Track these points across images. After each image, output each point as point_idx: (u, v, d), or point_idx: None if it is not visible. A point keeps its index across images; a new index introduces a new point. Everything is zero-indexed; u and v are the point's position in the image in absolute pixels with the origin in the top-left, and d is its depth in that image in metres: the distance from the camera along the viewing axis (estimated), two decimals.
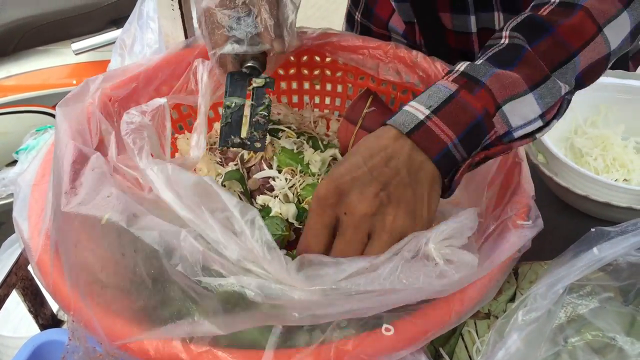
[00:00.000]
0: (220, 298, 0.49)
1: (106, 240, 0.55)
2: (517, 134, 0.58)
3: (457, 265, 0.52)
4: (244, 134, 0.73)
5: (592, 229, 0.60)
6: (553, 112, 0.59)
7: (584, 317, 0.61)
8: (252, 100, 0.73)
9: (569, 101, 0.61)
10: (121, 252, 0.54)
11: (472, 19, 0.92)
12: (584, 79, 0.61)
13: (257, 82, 0.73)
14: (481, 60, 0.59)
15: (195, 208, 0.52)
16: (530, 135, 0.59)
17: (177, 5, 0.83)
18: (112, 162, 0.62)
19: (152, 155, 0.65)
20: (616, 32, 0.61)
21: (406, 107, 0.55)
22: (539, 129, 0.59)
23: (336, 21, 3.42)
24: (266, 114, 0.73)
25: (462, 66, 0.59)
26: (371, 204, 0.51)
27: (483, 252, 0.58)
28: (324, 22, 3.37)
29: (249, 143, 0.72)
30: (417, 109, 0.55)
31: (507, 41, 0.60)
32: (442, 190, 0.56)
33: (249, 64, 0.72)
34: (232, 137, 0.71)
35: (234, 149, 0.87)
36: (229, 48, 0.70)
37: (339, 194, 0.52)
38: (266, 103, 0.73)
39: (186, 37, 0.85)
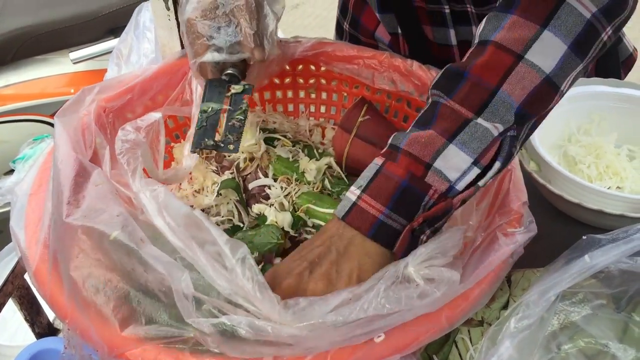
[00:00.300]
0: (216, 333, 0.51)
1: (116, 254, 0.56)
2: (459, 187, 0.57)
3: (438, 283, 0.53)
4: (218, 137, 0.74)
5: (584, 237, 0.60)
6: (489, 155, 0.57)
7: (576, 324, 0.62)
8: (230, 106, 0.74)
9: (513, 139, 0.58)
10: (131, 267, 0.56)
11: (452, 32, 0.93)
12: (529, 111, 0.58)
13: (235, 88, 0.74)
14: (409, 128, 0.60)
15: (187, 241, 0.53)
16: (474, 184, 0.57)
17: (173, 16, 0.83)
18: (107, 178, 0.63)
19: (144, 172, 0.66)
20: (545, 54, 0.57)
21: (347, 193, 0.58)
22: (480, 176, 0.57)
23: (333, 29, 3.43)
24: (242, 117, 0.74)
25: (391, 138, 0.59)
26: (293, 279, 0.56)
27: (471, 263, 0.59)
28: (322, 31, 3.39)
29: (222, 145, 0.72)
30: (352, 192, 0.58)
31: (430, 100, 0.60)
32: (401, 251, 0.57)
33: (228, 72, 0.73)
34: (206, 139, 0.72)
35: (231, 157, 0.88)
36: (209, 56, 0.72)
37: (273, 279, 0.56)
38: (243, 108, 0.74)
39: (182, 47, 0.86)
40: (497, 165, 0.57)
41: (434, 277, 0.54)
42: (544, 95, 0.58)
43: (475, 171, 0.57)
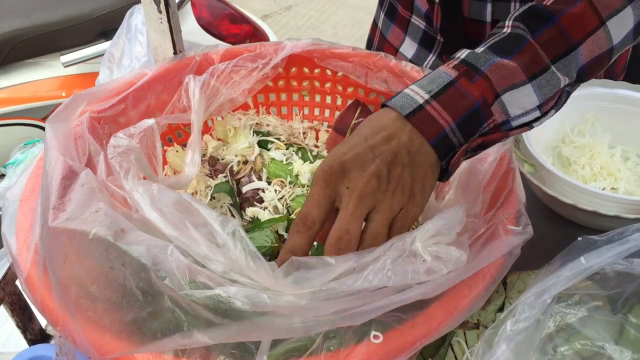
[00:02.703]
0: (209, 309, 0.50)
1: (94, 255, 0.55)
2: (514, 124, 0.59)
3: (446, 261, 0.52)
4: None
5: (579, 238, 0.60)
6: (551, 103, 0.60)
7: (572, 326, 0.62)
8: None
9: (568, 93, 0.61)
10: (110, 266, 0.55)
11: (489, 7, 0.92)
12: (586, 73, 0.61)
13: None
14: (482, 49, 0.60)
15: (180, 225, 0.52)
16: (528, 125, 0.60)
17: (165, 19, 0.83)
18: (102, 181, 0.62)
19: (143, 178, 0.66)
20: (619, 27, 0.60)
21: (406, 90, 0.57)
22: (536, 119, 0.60)
23: (327, 30, 3.44)
24: None
25: (463, 54, 0.59)
26: (373, 181, 0.53)
27: (472, 252, 0.58)
28: (315, 32, 3.39)
29: None
30: (417, 93, 0.56)
31: (509, 30, 0.61)
32: (440, 174, 0.58)
33: None
34: None
35: (224, 160, 0.87)
36: None
37: (342, 169, 0.54)
38: None
39: (175, 50, 0.86)
40: (552, 112, 0.60)
41: (442, 256, 0.54)
42: (601, 64, 0.61)
43: (536, 114, 0.59)
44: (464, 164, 0.68)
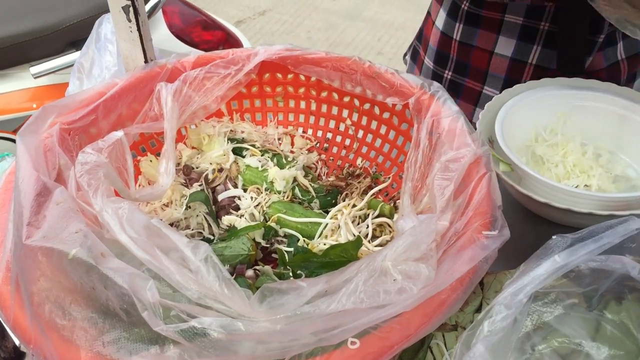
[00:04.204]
0: (187, 341, 0.49)
1: (74, 274, 0.55)
2: None
3: (415, 279, 0.52)
4: None
5: (553, 237, 0.60)
6: None
7: (549, 324, 0.62)
8: None
9: None
10: (91, 287, 0.54)
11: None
12: None
13: None
14: None
15: (150, 250, 0.52)
16: None
17: (135, 27, 0.82)
18: (72, 198, 0.61)
19: (114, 192, 0.65)
20: None
21: None
22: None
23: (301, 35, 3.45)
24: None
25: None
26: None
27: (446, 262, 0.58)
28: (289, 37, 3.39)
29: None
30: None
31: None
32: None
33: None
34: None
35: (199, 169, 0.87)
36: None
37: None
38: None
39: (146, 59, 0.85)
40: None
41: (412, 274, 0.54)
42: None
43: None
44: (438, 169, 0.69)
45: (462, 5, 1.05)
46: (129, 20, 0.81)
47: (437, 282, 0.56)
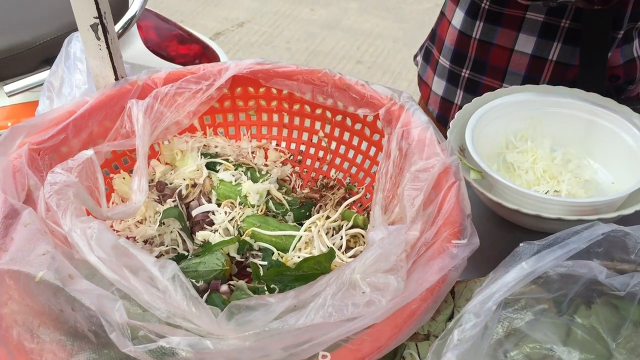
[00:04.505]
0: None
1: (42, 297, 0.55)
2: None
3: (384, 291, 0.52)
4: None
5: (521, 244, 0.61)
6: None
7: (521, 330, 0.63)
8: None
9: None
10: (59, 309, 0.54)
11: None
12: None
13: None
14: None
15: (119, 270, 0.52)
16: None
17: (104, 45, 0.82)
18: (42, 219, 0.61)
19: (87, 211, 0.65)
20: None
21: None
22: None
23: (280, 45, 3.46)
24: None
25: None
26: None
27: (416, 273, 0.59)
28: (268, 48, 3.40)
29: None
30: None
31: None
32: None
33: None
34: None
35: (172, 185, 0.86)
36: None
37: None
38: None
39: (116, 76, 0.85)
40: None
41: (380, 285, 0.54)
42: None
43: None
44: (408, 179, 0.69)
45: (483, 5, 1.07)
46: (98, 38, 0.81)
47: (407, 293, 0.56)
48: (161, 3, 3.75)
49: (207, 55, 1.77)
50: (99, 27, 0.80)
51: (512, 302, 0.62)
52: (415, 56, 1.35)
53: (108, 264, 0.54)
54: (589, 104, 0.89)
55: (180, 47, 1.73)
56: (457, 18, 1.13)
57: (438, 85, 1.22)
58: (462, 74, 1.15)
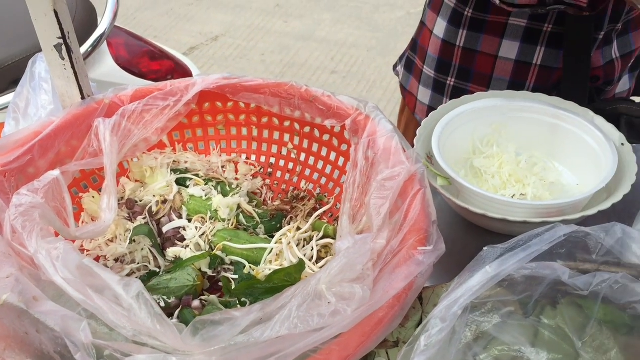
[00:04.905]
0: None
1: (6, 320, 0.54)
2: None
3: (350, 300, 0.53)
4: None
5: (485, 248, 0.62)
6: None
7: (489, 333, 0.64)
8: None
9: None
10: (24, 331, 0.54)
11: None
12: None
13: None
14: None
15: (83, 290, 0.52)
16: None
17: (69, 65, 0.82)
18: (8, 241, 0.61)
19: (55, 232, 0.65)
20: None
21: None
22: None
23: (255, 58, 3.46)
24: None
25: None
26: None
27: (382, 281, 0.60)
28: (243, 61, 3.40)
29: None
30: None
31: None
32: None
33: None
34: None
35: (142, 202, 0.86)
36: None
37: None
38: None
39: (83, 96, 0.85)
40: None
41: (346, 295, 0.55)
42: None
43: None
44: (375, 188, 0.70)
45: (465, 13, 1.09)
46: (62, 58, 0.81)
47: (373, 301, 0.57)
48: (134, 19, 3.74)
49: (179, 70, 1.77)
50: (63, 47, 0.80)
51: (479, 305, 0.63)
52: (395, 66, 1.36)
53: (73, 284, 0.54)
54: (552, 107, 0.91)
55: (152, 63, 1.73)
56: (440, 27, 1.15)
57: (424, 95, 1.23)
58: (448, 82, 1.17)
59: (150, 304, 0.50)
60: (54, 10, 0.77)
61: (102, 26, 1.49)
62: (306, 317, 0.51)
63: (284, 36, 3.61)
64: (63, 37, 0.79)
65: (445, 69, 1.16)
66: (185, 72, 1.76)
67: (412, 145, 0.86)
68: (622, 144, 0.85)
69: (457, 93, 1.15)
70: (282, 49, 3.49)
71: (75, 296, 0.55)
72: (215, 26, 3.71)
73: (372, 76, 3.25)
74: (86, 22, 1.49)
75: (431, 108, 1.22)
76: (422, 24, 1.21)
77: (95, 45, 1.45)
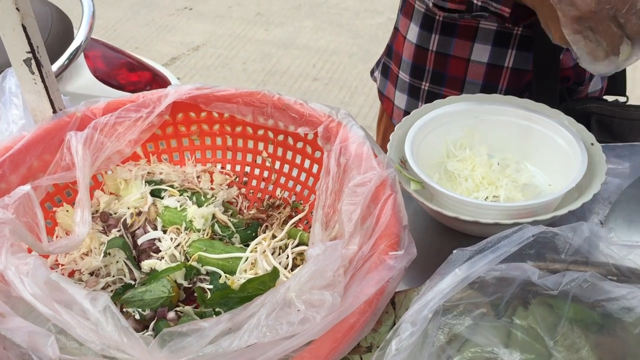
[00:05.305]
0: None
1: None
2: None
3: (319, 307, 0.53)
4: None
5: (454, 251, 0.63)
6: None
7: (462, 335, 0.64)
8: None
9: None
10: None
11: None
12: None
13: None
14: None
15: (51, 305, 0.52)
16: None
17: (39, 79, 0.81)
18: None
19: (28, 249, 0.64)
20: None
21: None
22: None
23: (237, 67, 3.46)
24: None
25: None
26: None
27: (353, 286, 0.60)
28: (224, 70, 3.41)
29: None
30: None
31: None
32: None
33: None
34: None
35: (117, 214, 0.86)
36: None
37: None
38: None
39: (54, 109, 0.84)
40: None
41: (315, 301, 0.55)
42: None
43: None
44: (346, 194, 0.70)
45: (437, 17, 1.09)
46: (32, 72, 0.80)
47: (344, 307, 0.57)
48: (115, 31, 3.74)
49: (158, 81, 1.77)
50: (32, 61, 0.80)
51: (451, 308, 0.64)
52: (373, 72, 1.37)
53: (41, 299, 0.54)
54: (523, 110, 0.92)
55: (130, 74, 1.73)
56: (413, 32, 1.16)
57: (400, 100, 1.24)
58: (422, 86, 1.18)
59: (117, 317, 0.50)
60: (22, 25, 0.77)
61: (78, 39, 1.49)
62: (275, 325, 0.51)
63: (265, 44, 3.62)
64: (32, 51, 0.79)
65: (420, 73, 1.17)
66: (164, 83, 1.76)
67: (386, 151, 0.86)
68: (592, 144, 0.86)
69: (431, 97, 1.16)
70: (263, 57, 3.50)
71: (44, 311, 0.54)
72: (196, 36, 3.71)
73: (353, 82, 3.26)
74: (62, 35, 1.49)
75: (407, 113, 1.22)
76: (396, 29, 1.22)
77: (71, 58, 1.45)
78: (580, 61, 0.79)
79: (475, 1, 0.95)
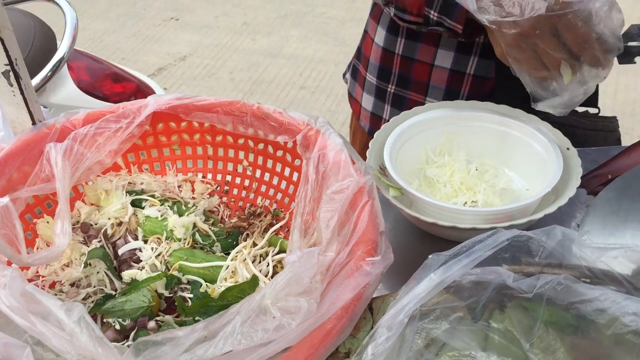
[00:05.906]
0: None
1: None
2: None
3: (294, 314, 0.53)
4: None
5: (430, 256, 0.63)
6: None
7: (439, 339, 0.64)
8: None
9: None
10: None
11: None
12: None
13: None
14: None
15: (27, 317, 0.53)
16: None
17: (18, 91, 0.82)
18: None
19: (8, 261, 0.65)
20: None
21: None
22: None
23: (224, 76, 3.47)
24: None
25: None
26: None
27: (330, 293, 0.60)
28: (211, 80, 3.41)
29: None
30: None
31: None
32: None
33: None
34: None
35: (97, 225, 0.86)
36: None
37: None
38: None
39: (33, 121, 0.84)
40: None
41: (291, 308, 0.56)
42: None
43: None
44: (324, 201, 0.71)
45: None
46: (11, 85, 0.81)
47: (320, 313, 0.58)
48: (101, 42, 3.74)
49: (143, 92, 1.78)
50: (11, 73, 0.80)
51: (428, 312, 0.64)
52: (344, 74, 1.38)
53: (17, 311, 0.54)
54: (500, 115, 0.93)
55: (115, 85, 1.73)
56: (380, 35, 1.17)
57: (367, 101, 1.25)
58: (388, 89, 1.19)
59: (91, 327, 0.51)
60: (0, 38, 0.77)
61: (61, 50, 1.49)
62: (250, 332, 0.52)
63: (252, 54, 3.63)
64: (10, 63, 0.79)
65: (386, 76, 1.18)
66: (149, 93, 1.76)
67: (363, 157, 0.87)
68: (568, 149, 0.87)
69: (397, 100, 1.18)
70: (250, 66, 3.51)
71: (21, 323, 0.55)
72: (182, 46, 3.72)
73: (340, 90, 3.28)
74: (45, 47, 1.49)
75: (374, 115, 1.24)
76: (365, 32, 1.24)
77: (54, 70, 1.45)
78: (523, 81, 0.81)
79: (431, 16, 0.97)
